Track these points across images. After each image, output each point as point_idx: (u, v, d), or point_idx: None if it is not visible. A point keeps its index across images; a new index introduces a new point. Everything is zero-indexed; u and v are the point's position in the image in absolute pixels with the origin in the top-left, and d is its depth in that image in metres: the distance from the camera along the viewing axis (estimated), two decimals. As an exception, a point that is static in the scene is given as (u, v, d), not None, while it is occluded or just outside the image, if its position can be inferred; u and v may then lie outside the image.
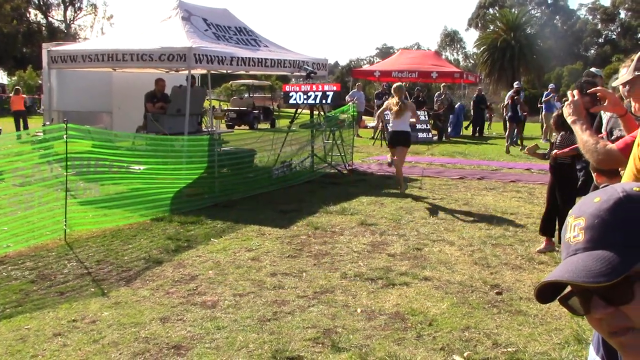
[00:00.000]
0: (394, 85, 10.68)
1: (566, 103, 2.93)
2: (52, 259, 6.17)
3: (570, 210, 1.06)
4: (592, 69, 7.24)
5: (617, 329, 0.99)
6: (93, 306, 4.90)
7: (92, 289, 5.32)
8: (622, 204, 0.99)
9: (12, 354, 4.01)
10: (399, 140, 10.14)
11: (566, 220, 1.06)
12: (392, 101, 10.25)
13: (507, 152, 17.41)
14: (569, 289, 1.03)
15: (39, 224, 6.85)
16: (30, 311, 4.77)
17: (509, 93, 20.61)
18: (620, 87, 3.05)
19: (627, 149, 2.82)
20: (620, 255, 0.95)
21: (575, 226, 1.02)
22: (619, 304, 0.97)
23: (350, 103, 15.71)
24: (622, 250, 0.96)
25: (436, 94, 24.23)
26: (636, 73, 2.86)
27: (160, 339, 4.27)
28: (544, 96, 21.66)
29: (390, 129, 10.78)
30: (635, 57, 2.97)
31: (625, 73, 2.99)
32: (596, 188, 3.75)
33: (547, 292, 1.04)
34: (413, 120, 10.43)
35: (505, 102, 20.66)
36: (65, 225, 6.87)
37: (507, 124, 19.59)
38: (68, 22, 57.33)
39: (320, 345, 4.22)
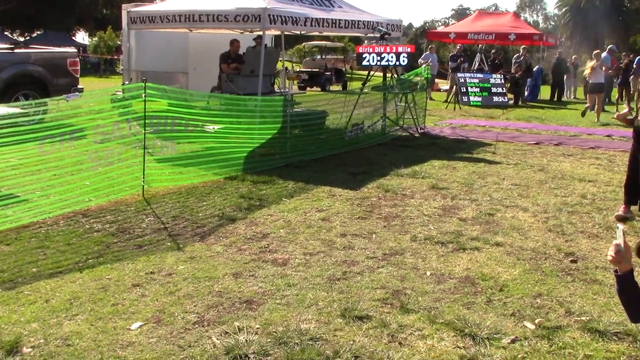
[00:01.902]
0: None
1: None
2: (131, 213, 6.41)
3: None
4: None
5: None
6: (169, 260, 5.08)
7: (169, 244, 5.51)
8: None
9: (94, 301, 4.21)
10: None
11: None
12: None
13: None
14: None
15: (118, 179, 7.11)
16: (110, 262, 4.99)
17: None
18: None
19: None
20: None
21: None
22: None
23: (424, 65, 15.43)
24: None
25: (514, 56, 23.48)
26: None
27: (232, 294, 4.39)
28: (636, 61, 20.59)
29: None
30: None
31: None
32: None
33: None
34: None
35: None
36: (143, 181, 7.10)
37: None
38: (146, -17, 58.28)
39: (389, 305, 4.24)
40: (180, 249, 5.36)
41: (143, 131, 7.07)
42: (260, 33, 11.63)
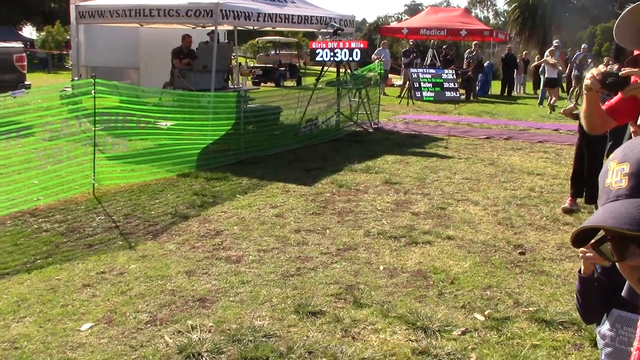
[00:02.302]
0: None
1: (589, 76, 2.78)
2: (81, 212, 6.29)
3: (612, 155, 1.04)
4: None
5: None
6: (121, 259, 5.02)
7: (120, 242, 5.43)
8: None
9: (43, 303, 4.13)
10: None
11: (607, 165, 1.03)
12: None
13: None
14: (601, 234, 1.02)
15: (68, 177, 6.97)
16: (60, 262, 4.90)
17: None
18: None
19: (612, 108, 2.80)
20: None
21: (618, 171, 0.99)
22: None
23: (377, 61, 15.54)
24: None
25: (467, 52, 23.83)
26: None
27: (185, 292, 4.37)
28: (575, 56, 21.12)
29: None
30: None
31: None
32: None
33: (580, 238, 1.03)
34: None
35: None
36: (94, 179, 6.99)
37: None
38: (95, -24, 57.11)
39: (343, 300, 4.28)
40: (132, 248, 5.29)
41: (93, 128, 6.94)
42: (214, 28, 11.54)
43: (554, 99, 17.82)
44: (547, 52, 19.02)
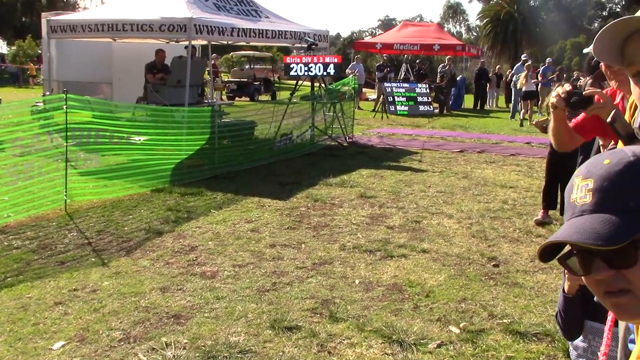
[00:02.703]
0: None
1: (554, 95, 2.82)
2: (53, 228, 6.21)
3: (577, 171, 1.06)
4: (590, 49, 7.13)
5: (615, 289, 1.00)
6: (93, 276, 4.95)
7: (93, 259, 5.36)
8: (632, 167, 0.98)
9: (14, 322, 4.06)
10: None
11: (572, 180, 1.05)
12: None
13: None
14: (568, 248, 1.03)
15: (39, 194, 6.88)
16: (31, 280, 4.82)
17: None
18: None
19: (578, 126, 2.85)
20: (628, 219, 0.95)
21: (582, 187, 1.01)
22: (621, 268, 0.97)
23: (351, 75, 15.63)
24: (630, 214, 0.95)
25: (440, 66, 24.08)
26: None
27: (160, 308, 4.32)
28: (540, 70, 21.43)
29: None
30: None
31: None
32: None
33: (548, 252, 1.04)
34: None
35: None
36: (66, 195, 6.90)
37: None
38: (68, -9, 56.69)
39: (319, 315, 4.27)
40: (105, 265, 5.23)
41: (65, 144, 6.87)
42: (193, 42, 11.52)
43: (526, 112, 18.23)
44: (524, 68, 19.37)
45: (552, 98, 2.62)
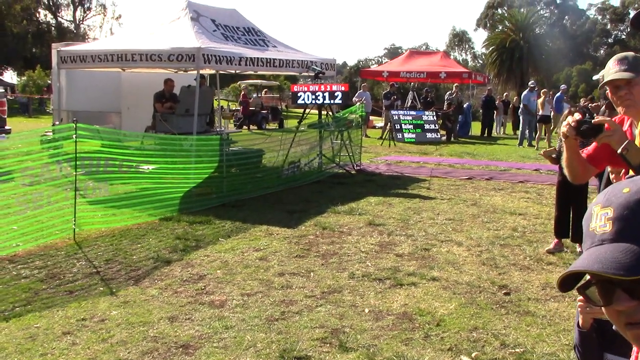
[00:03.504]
0: None
1: (565, 124, 2.80)
2: (61, 258, 6.20)
3: (596, 199, 1.04)
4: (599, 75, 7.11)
5: (637, 321, 0.97)
6: (102, 305, 4.93)
7: (101, 288, 5.34)
8: None
9: (22, 352, 4.03)
10: None
11: (591, 209, 1.03)
12: None
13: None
14: (587, 277, 1.01)
15: (48, 223, 6.88)
16: (39, 310, 4.80)
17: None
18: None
19: (590, 156, 2.85)
20: None
21: (602, 216, 1.00)
22: None
23: (359, 103, 15.70)
24: None
25: (447, 93, 24.16)
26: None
27: (168, 338, 4.29)
28: (554, 98, 21.50)
29: None
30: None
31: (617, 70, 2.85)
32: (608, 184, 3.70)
33: (567, 282, 1.02)
34: None
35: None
36: (74, 224, 6.90)
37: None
38: (77, 22, 57.51)
39: (328, 345, 4.22)
40: (114, 294, 5.21)
41: (74, 173, 6.89)
42: (202, 72, 11.61)
43: (541, 136, 19.10)
44: (532, 94, 20.01)
45: (562, 127, 2.62)
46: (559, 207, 6.99)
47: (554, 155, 6.76)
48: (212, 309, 4.88)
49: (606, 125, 2.56)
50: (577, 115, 2.61)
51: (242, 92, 27.50)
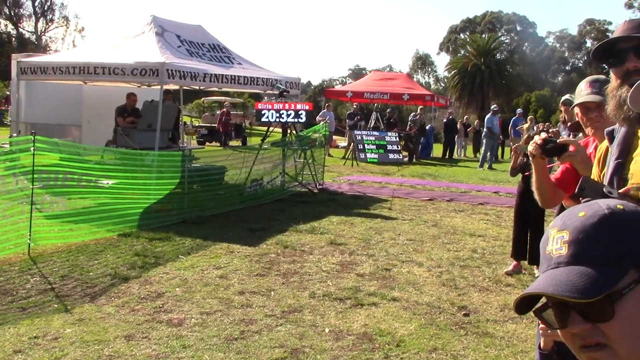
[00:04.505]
0: None
1: (532, 143, 2.85)
2: (15, 273, 6.03)
3: (553, 222, 1.05)
4: (568, 96, 7.22)
5: (592, 344, 0.98)
6: (56, 323, 4.80)
7: (55, 305, 5.21)
8: (607, 220, 0.99)
9: (-30, 370, 3.89)
10: None
11: (548, 232, 1.05)
12: None
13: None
14: (544, 300, 1.02)
15: (2, 237, 6.69)
16: (-10, 327, 4.65)
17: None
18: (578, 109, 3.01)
19: (558, 180, 2.90)
20: (603, 272, 0.95)
21: (558, 239, 1.01)
22: (598, 321, 0.96)
23: (322, 123, 15.76)
24: (605, 267, 0.95)
25: (411, 115, 24.43)
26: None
27: (124, 357, 4.19)
28: (511, 121, 21.97)
29: None
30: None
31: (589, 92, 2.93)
32: (562, 209, 3.75)
33: (523, 304, 1.03)
34: None
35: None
36: (30, 239, 6.73)
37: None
38: (39, 33, 56.71)
39: (287, 365, 4.18)
40: (68, 311, 5.08)
41: (31, 186, 6.74)
42: (168, 87, 11.50)
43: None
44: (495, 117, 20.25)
45: (529, 146, 2.67)
46: (517, 230, 7.09)
47: (525, 152, 6.78)
48: (170, 327, 4.79)
49: (571, 146, 2.62)
50: (543, 134, 2.67)
51: (225, 110, 27.16)
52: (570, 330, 1.00)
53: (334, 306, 5.48)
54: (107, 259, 6.76)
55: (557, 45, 72.37)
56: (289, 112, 12.02)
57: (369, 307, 5.48)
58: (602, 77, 2.98)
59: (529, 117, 21.45)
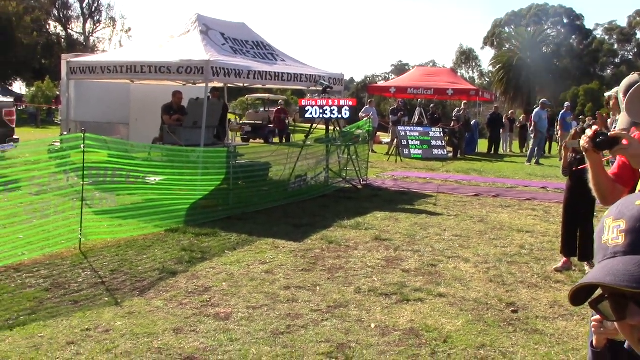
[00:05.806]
0: None
1: (584, 136, 2.77)
2: (67, 267, 6.18)
3: (608, 211, 1.03)
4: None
5: None
6: (106, 315, 4.90)
7: (106, 299, 5.32)
8: None
9: (25, 361, 4.00)
10: None
11: (603, 221, 1.02)
12: None
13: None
14: (599, 292, 0.99)
15: (54, 232, 6.88)
16: (44, 319, 4.77)
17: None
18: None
19: (616, 175, 2.80)
20: None
21: (614, 228, 0.98)
22: None
23: (366, 118, 15.71)
24: None
25: (455, 110, 24.17)
26: None
27: (173, 350, 4.25)
28: (559, 115, 21.52)
29: None
30: None
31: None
32: None
33: (579, 295, 1.00)
34: None
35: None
36: (81, 234, 6.89)
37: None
38: (87, 34, 57.94)
39: (334, 359, 4.18)
40: (118, 304, 5.18)
41: (81, 183, 6.89)
42: (216, 85, 11.60)
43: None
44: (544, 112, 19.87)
45: (581, 141, 2.60)
46: (566, 226, 6.94)
47: (576, 147, 6.62)
48: (217, 321, 4.85)
49: (624, 139, 2.55)
50: (595, 127, 2.61)
51: (279, 107, 27.39)
52: (628, 322, 0.96)
53: (379, 301, 5.45)
54: (155, 253, 6.87)
55: (606, 37, 70.55)
56: (332, 108, 12.01)
57: (415, 303, 5.44)
58: None
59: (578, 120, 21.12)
